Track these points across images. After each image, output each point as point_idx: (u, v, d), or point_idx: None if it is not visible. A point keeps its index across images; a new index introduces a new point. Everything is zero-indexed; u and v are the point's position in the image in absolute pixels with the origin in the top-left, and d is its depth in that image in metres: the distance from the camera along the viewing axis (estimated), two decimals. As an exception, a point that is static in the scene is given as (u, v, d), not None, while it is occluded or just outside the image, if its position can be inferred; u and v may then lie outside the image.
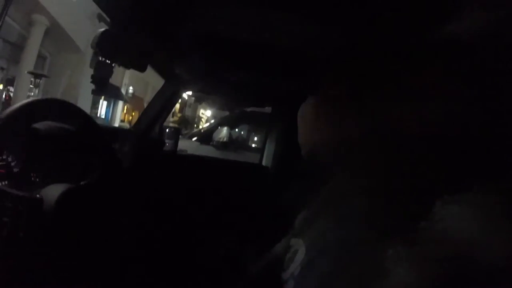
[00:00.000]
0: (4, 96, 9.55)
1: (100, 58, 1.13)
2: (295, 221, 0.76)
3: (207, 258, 1.71)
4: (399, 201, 0.48)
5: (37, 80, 8.79)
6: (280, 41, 0.94)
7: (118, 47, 1.09)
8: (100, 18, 1.10)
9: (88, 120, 0.92)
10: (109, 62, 1.14)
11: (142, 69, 1.24)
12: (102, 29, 1.04)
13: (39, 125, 0.99)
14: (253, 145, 5.02)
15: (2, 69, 9.93)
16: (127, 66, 1.20)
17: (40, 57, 10.20)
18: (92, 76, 1.11)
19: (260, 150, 2.39)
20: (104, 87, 1.14)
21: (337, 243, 0.55)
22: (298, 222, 0.75)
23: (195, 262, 1.68)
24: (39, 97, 0.96)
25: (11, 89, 9.66)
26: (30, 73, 8.74)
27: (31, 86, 8.93)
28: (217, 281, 1.16)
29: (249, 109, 4.50)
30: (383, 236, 0.46)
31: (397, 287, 0.40)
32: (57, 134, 1.03)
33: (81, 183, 0.87)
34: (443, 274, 0.37)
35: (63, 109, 0.87)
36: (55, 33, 9.79)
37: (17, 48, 9.61)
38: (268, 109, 2.28)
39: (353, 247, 0.50)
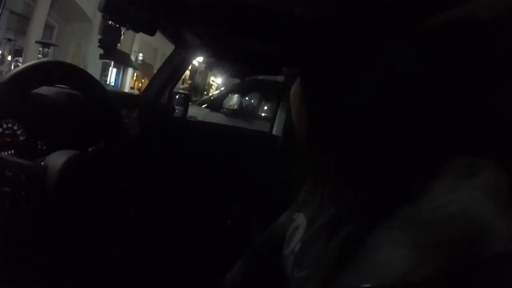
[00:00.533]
0: (12, 67, 9.59)
1: (109, 22, 1.10)
2: (299, 194, 0.76)
3: (214, 229, 1.73)
4: (392, 182, 0.45)
5: (45, 49, 8.73)
6: (288, 8, 0.90)
7: (125, 10, 1.06)
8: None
9: (95, 85, 0.88)
10: (117, 25, 1.11)
11: (151, 32, 1.20)
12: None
13: (44, 90, 0.96)
14: (264, 114, 4.96)
15: (10, 40, 9.92)
16: (135, 29, 1.16)
17: (48, 27, 10.14)
18: (100, 40, 1.08)
19: (270, 119, 2.36)
20: (112, 51, 1.11)
21: (329, 222, 0.55)
22: (301, 195, 0.75)
23: (203, 233, 1.69)
24: (43, 60, 0.92)
25: (20, 59, 9.69)
26: (38, 42, 8.69)
27: (40, 56, 8.90)
28: (224, 253, 1.15)
29: (260, 77, 4.44)
30: (376, 218, 0.44)
31: (393, 271, 0.39)
32: (63, 100, 1.00)
33: (89, 149, 0.85)
34: (447, 259, 0.36)
35: (69, 74, 0.82)
36: (62, 2, 9.67)
37: (24, 19, 9.56)
38: (280, 77, 2.23)
39: (346, 228, 0.49)
